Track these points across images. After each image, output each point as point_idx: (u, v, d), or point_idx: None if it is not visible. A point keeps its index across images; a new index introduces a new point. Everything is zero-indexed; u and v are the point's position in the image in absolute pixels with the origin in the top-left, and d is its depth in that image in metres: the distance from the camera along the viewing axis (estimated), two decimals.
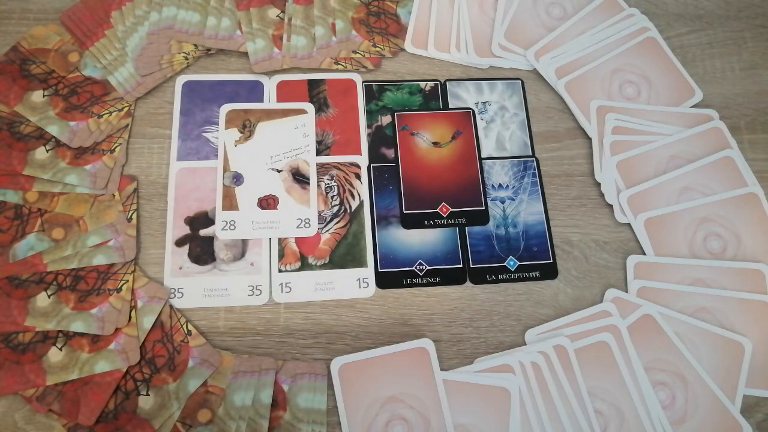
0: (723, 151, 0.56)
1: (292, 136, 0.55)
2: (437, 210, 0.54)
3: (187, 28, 0.57)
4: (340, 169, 0.55)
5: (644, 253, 0.54)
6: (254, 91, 0.57)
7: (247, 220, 0.52)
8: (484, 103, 0.59)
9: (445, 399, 0.47)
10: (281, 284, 0.51)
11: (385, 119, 0.57)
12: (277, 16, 0.59)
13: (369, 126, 0.57)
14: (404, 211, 0.54)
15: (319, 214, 0.53)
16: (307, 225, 0.52)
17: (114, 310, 0.47)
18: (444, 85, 0.59)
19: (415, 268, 0.52)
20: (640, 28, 0.61)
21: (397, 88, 0.59)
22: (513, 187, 0.56)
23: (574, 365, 0.48)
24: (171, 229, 0.52)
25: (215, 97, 0.56)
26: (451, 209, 0.54)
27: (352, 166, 0.55)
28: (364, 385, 0.47)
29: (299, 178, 0.54)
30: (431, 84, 0.59)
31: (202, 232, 0.52)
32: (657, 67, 0.60)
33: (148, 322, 0.48)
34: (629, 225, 0.55)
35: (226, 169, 0.53)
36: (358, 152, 0.56)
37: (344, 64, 0.58)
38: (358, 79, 0.58)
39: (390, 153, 0.56)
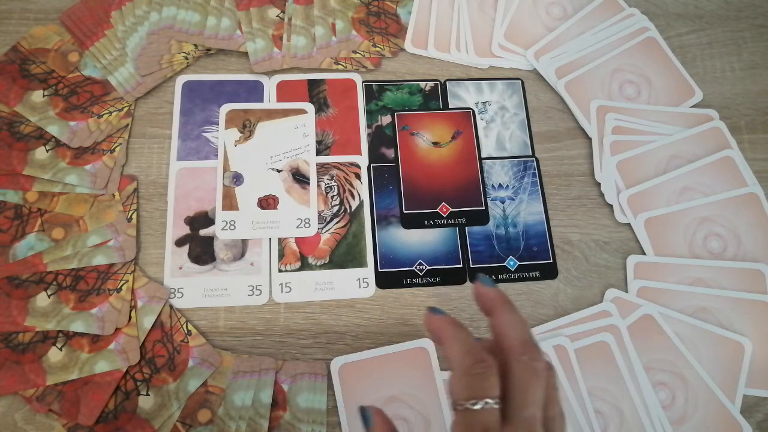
0: (723, 151, 0.56)
1: (292, 136, 0.55)
2: (437, 210, 0.54)
3: (187, 28, 0.57)
4: (340, 169, 0.55)
5: (644, 253, 0.53)
6: (254, 91, 0.57)
7: (247, 220, 0.52)
8: (484, 103, 0.59)
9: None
10: (281, 284, 0.51)
11: (385, 119, 0.57)
12: (277, 16, 0.59)
13: (369, 126, 0.57)
14: (404, 211, 0.54)
15: (319, 214, 0.53)
16: (307, 225, 0.52)
17: (114, 310, 0.47)
18: (444, 85, 0.59)
19: (415, 268, 0.52)
20: (640, 28, 0.61)
21: (397, 88, 0.59)
22: (513, 187, 0.56)
23: (574, 365, 0.48)
24: (171, 229, 0.52)
25: (215, 97, 0.56)
26: (451, 209, 0.54)
27: (352, 166, 0.55)
28: (364, 385, 0.47)
29: (299, 178, 0.54)
30: (431, 84, 0.59)
31: (202, 232, 0.52)
32: (657, 67, 0.60)
33: (148, 322, 0.48)
34: (629, 225, 0.55)
35: (226, 169, 0.53)
36: (358, 152, 0.56)
37: (344, 64, 0.58)
38: (358, 79, 0.58)
39: (390, 153, 0.56)
